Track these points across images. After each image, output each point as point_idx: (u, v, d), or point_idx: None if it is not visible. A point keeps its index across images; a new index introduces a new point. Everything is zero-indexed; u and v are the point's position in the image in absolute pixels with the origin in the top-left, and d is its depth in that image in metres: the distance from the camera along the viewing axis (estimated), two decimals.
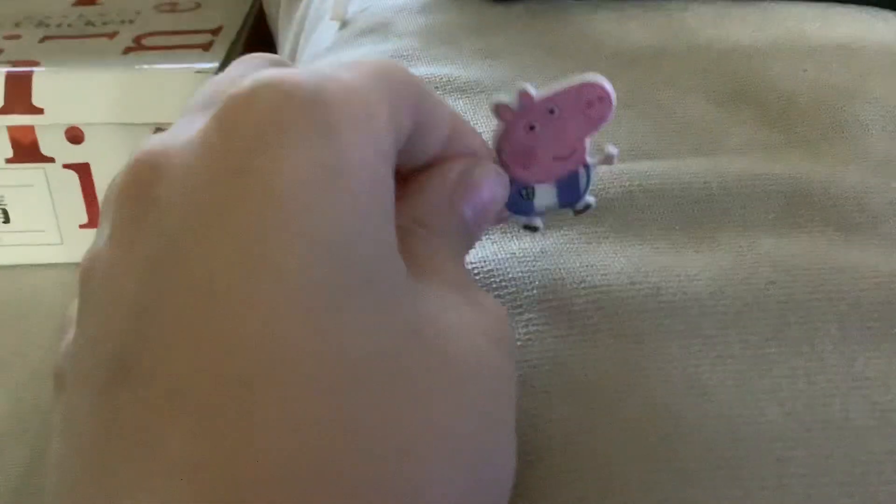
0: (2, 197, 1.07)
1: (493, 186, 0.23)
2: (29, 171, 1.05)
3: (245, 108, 0.17)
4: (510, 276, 0.27)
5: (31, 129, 1.02)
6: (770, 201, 0.29)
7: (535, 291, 0.26)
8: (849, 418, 0.21)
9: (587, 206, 0.26)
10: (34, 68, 1.00)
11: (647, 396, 0.22)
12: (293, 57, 0.62)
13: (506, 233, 0.29)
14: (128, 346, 0.16)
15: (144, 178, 0.17)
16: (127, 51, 1.05)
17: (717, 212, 0.29)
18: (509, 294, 0.26)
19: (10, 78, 0.99)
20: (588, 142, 0.24)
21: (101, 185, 1.07)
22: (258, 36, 1.10)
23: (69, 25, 1.14)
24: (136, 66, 1.01)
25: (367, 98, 0.18)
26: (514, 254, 0.28)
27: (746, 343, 0.24)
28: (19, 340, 1.00)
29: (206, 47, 1.05)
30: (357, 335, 0.16)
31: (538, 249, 0.28)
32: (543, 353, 0.24)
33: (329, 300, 0.16)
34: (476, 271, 0.27)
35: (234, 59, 0.93)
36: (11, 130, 1.02)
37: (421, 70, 0.41)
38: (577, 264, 0.27)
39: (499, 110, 0.24)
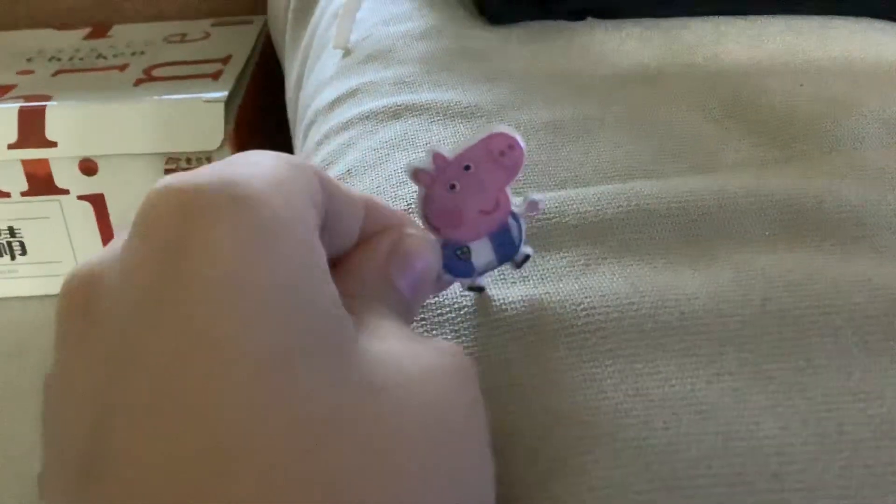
0: (18, 229, 1.09)
1: (424, 255, 0.23)
2: (44, 204, 1.07)
3: (157, 206, 0.17)
4: (510, 300, 0.27)
5: (45, 162, 1.03)
6: (766, 217, 0.29)
7: (534, 314, 0.26)
8: (845, 431, 0.22)
9: (526, 257, 0.26)
10: (47, 103, 1.02)
11: (645, 416, 0.22)
12: (299, 84, 0.63)
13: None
14: (90, 450, 0.16)
15: (80, 298, 0.18)
16: (138, 82, 1.07)
17: (715, 229, 0.29)
18: (510, 318, 0.27)
19: (23, 113, 1.01)
20: (510, 191, 0.24)
21: (116, 215, 1.08)
22: (266, 65, 1.12)
23: (81, 59, 1.16)
24: (147, 98, 1.02)
25: (280, 176, 0.19)
26: (514, 279, 0.28)
27: (744, 360, 0.24)
28: (39, 371, 1.01)
29: (216, 76, 1.06)
30: (311, 396, 0.16)
31: (538, 274, 0.28)
32: (544, 375, 0.24)
33: (277, 366, 0.16)
34: (476, 296, 0.28)
35: (242, 87, 0.94)
36: (26, 164, 1.03)
37: (423, 96, 0.41)
38: (577, 287, 0.27)
39: (416, 175, 0.24)
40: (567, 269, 0.28)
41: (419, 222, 0.24)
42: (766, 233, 0.29)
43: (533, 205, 0.25)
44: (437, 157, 0.23)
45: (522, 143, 0.24)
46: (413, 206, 0.33)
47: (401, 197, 0.34)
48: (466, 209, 0.24)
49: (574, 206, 0.31)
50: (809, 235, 0.29)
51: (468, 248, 0.25)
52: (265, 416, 0.16)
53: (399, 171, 0.36)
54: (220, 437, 0.15)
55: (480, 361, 0.25)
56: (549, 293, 0.27)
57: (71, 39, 1.23)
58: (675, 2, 0.46)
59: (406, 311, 0.23)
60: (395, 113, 0.41)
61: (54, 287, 1.11)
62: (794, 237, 0.29)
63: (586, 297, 0.27)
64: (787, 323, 0.25)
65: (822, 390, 0.23)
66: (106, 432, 0.16)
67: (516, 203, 0.25)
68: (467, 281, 0.26)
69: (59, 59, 1.16)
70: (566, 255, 0.29)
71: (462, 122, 0.38)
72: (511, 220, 0.25)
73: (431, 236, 0.24)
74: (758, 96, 0.37)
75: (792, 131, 0.34)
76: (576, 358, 0.25)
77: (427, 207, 0.24)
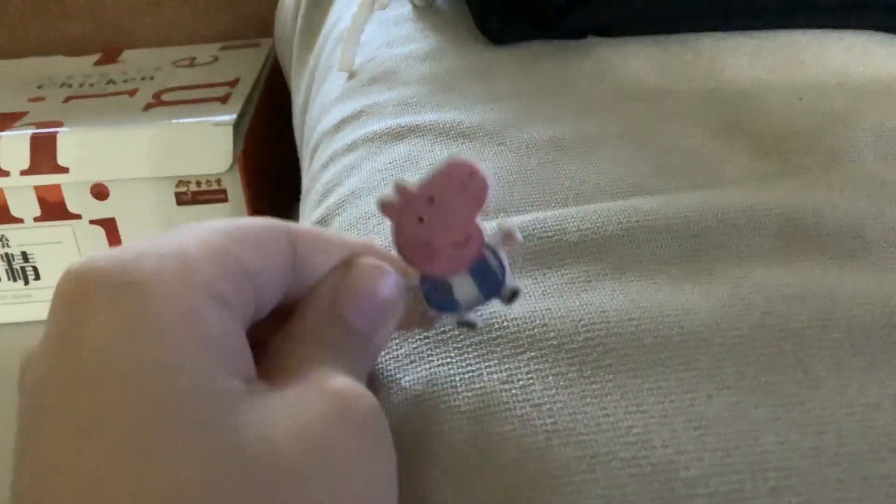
0: (32, 254, 1.10)
1: (374, 284, 0.23)
2: (57, 229, 1.08)
3: (61, 291, 0.19)
4: (511, 316, 0.27)
5: (57, 187, 1.04)
6: (765, 231, 0.30)
7: (535, 331, 0.27)
8: (843, 444, 0.22)
9: (514, 293, 0.24)
10: (58, 129, 1.03)
11: (645, 434, 0.23)
12: (306, 106, 0.63)
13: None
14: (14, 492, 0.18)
15: (20, 367, 0.20)
16: (147, 107, 1.08)
17: (714, 244, 0.29)
18: (511, 334, 0.27)
19: (35, 139, 1.02)
20: (480, 221, 0.23)
21: (128, 238, 1.09)
22: (274, 87, 1.13)
23: (91, 85, 1.17)
24: (157, 122, 1.04)
25: (181, 254, 0.20)
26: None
27: (743, 373, 0.24)
28: None
29: (224, 100, 1.07)
30: (173, 467, 0.17)
31: (540, 291, 0.29)
32: (544, 392, 0.24)
33: (139, 440, 0.17)
34: (479, 313, 0.28)
35: (251, 110, 0.95)
36: (38, 190, 1.04)
37: (426, 117, 0.42)
38: (577, 303, 0.28)
39: (383, 208, 0.23)
40: (568, 285, 0.29)
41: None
42: (766, 247, 0.29)
43: (508, 235, 0.24)
44: (400, 188, 0.23)
45: (483, 171, 0.23)
46: None
47: None
48: (437, 242, 0.23)
49: (575, 223, 0.31)
50: (808, 249, 0.29)
51: (449, 282, 0.24)
52: (120, 492, 0.17)
53: None
54: None
55: (481, 378, 0.25)
56: (549, 309, 0.27)
57: (81, 66, 1.24)
58: (675, 19, 0.46)
59: (363, 347, 0.23)
60: (399, 134, 0.41)
61: None
62: (793, 251, 0.29)
63: (587, 313, 0.27)
64: (786, 336, 0.25)
65: (820, 403, 0.23)
66: (18, 479, 0.18)
67: (489, 234, 0.24)
68: (455, 315, 0.25)
69: (69, 86, 1.18)
70: (567, 271, 0.29)
71: (465, 142, 0.39)
72: (488, 253, 0.24)
73: (385, 266, 0.24)
74: (757, 111, 0.37)
75: (790, 145, 0.35)
76: (576, 374, 0.25)
77: (398, 241, 0.24)
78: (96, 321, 0.18)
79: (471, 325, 0.25)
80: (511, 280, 0.24)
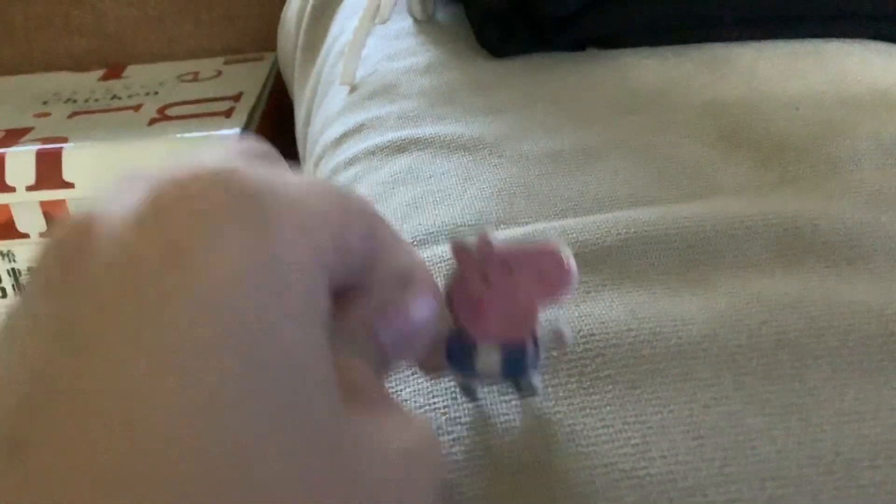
0: None
1: (414, 316, 0.22)
2: None
3: (179, 196, 0.16)
4: None
5: (63, 202, 1.05)
6: (762, 241, 0.30)
7: None
8: (839, 452, 0.22)
9: (532, 389, 0.24)
10: (63, 145, 1.03)
11: (643, 445, 0.23)
12: (308, 120, 0.64)
13: None
14: (19, 425, 0.15)
15: (74, 239, 0.16)
16: (152, 122, 1.09)
17: (712, 254, 0.30)
18: None
19: (40, 155, 1.03)
20: (540, 314, 0.22)
21: None
22: (277, 100, 1.13)
23: (96, 100, 1.18)
24: (162, 137, 1.04)
25: (313, 208, 0.18)
26: None
27: (741, 383, 0.24)
28: None
29: (228, 114, 1.08)
30: (277, 457, 0.15)
31: None
32: (543, 403, 0.25)
33: (250, 420, 0.15)
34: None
35: (254, 124, 0.96)
36: (44, 205, 1.05)
37: (426, 130, 0.42)
38: (577, 314, 0.28)
39: (457, 251, 0.22)
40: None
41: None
42: (763, 256, 0.29)
43: (559, 337, 0.23)
44: (482, 241, 0.22)
45: (572, 268, 0.22)
46: (416, 241, 0.34)
47: (406, 231, 0.35)
48: (490, 306, 0.22)
49: (574, 234, 0.31)
50: (805, 258, 0.29)
51: (475, 346, 0.23)
52: (210, 471, 0.14)
53: (404, 204, 0.37)
54: (143, 460, 0.14)
55: (481, 389, 0.26)
56: (548, 320, 0.28)
57: (86, 81, 1.25)
58: (673, 31, 0.46)
59: (381, 365, 0.22)
60: (400, 147, 0.42)
61: None
62: (791, 260, 0.29)
63: (585, 324, 0.27)
64: (783, 345, 0.25)
65: (817, 412, 0.23)
66: (37, 412, 0.15)
67: (545, 330, 0.23)
68: (461, 377, 0.24)
69: (74, 101, 1.18)
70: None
71: (465, 155, 0.39)
72: (530, 343, 0.23)
73: (432, 301, 0.22)
74: (754, 121, 0.38)
75: (788, 155, 0.35)
76: (575, 385, 0.25)
77: (454, 287, 0.23)
78: (230, 246, 0.16)
79: (471, 394, 0.25)
80: (535, 376, 0.23)
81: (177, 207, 0.16)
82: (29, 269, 0.17)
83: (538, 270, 0.22)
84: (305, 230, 0.17)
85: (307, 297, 0.17)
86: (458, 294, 0.22)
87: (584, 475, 0.22)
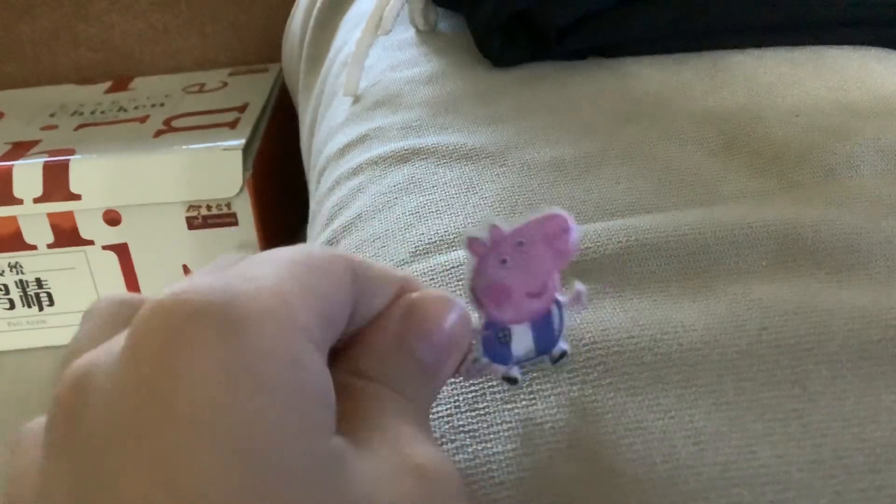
0: (46, 280, 1.11)
1: (444, 313, 0.22)
2: (70, 255, 1.09)
3: (148, 326, 0.17)
4: None
5: (70, 214, 1.06)
6: (762, 247, 0.30)
7: None
8: (840, 457, 0.22)
9: (563, 354, 0.25)
10: (70, 157, 1.04)
11: (645, 451, 0.23)
12: (312, 131, 0.64)
13: None
14: None
15: (71, 399, 0.18)
16: (157, 133, 1.09)
17: (712, 261, 0.30)
18: None
19: (48, 168, 1.03)
20: (557, 277, 0.24)
21: (140, 263, 1.10)
22: (282, 111, 1.14)
23: (102, 112, 1.19)
24: (167, 148, 1.05)
25: (281, 292, 0.18)
26: None
27: (741, 389, 0.24)
28: None
29: (233, 125, 1.08)
30: None
31: None
32: (546, 411, 0.25)
33: None
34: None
35: (259, 134, 0.96)
36: (52, 217, 1.06)
37: (429, 140, 0.42)
38: (578, 321, 0.28)
39: (471, 245, 0.23)
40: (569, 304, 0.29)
41: (464, 297, 0.24)
42: (764, 263, 0.29)
43: (578, 296, 0.24)
44: (493, 229, 0.23)
45: (575, 228, 0.23)
46: (418, 251, 0.34)
47: (409, 240, 0.35)
48: (514, 287, 0.23)
49: None
50: (806, 264, 0.29)
51: (510, 330, 0.24)
52: None
53: (407, 213, 0.37)
54: None
55: (484, 398, 0.26)
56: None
57: (92, 93, 1.26)
58: (673, 40, 0.47)
59: (429, 383, 0.21)
60: (403, 157, 0.42)
61: None
62: (791, 266, 0.29)
63: (587, 332, 0.27)
64: (784, 351, 0.25)
65: (817, 416, 0.23)
66: None
67: (562, 292, 0.24)
68: (503, 369, 0.24)
69: (81, 114, 1.19)
70: (567, 290, 0.30)
71: (467, 164, 0.39)
72: (555, 309, 0.24)
73: (452, 297, 0.23)
74: (754, 128, 0.38)
75: (788, 162, 0.35)
76: (578, 392, 0.25)
77: (477, 279, 0.23)
78: (196, 365, 0.16)
79: (513, 381, 0.25)
80: (563, 342, 0.25)
81: (149, 346, 0.17)
82: (45, 426, 0.19)
83: (546, 237, 0.23)
84: (278, 320, 0.17)
85: (288, 385, 0.17)
86: (481, 286, 0.23)
87: (588, 480, 0.23)
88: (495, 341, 0.24)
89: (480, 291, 0.23)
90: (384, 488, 0.18)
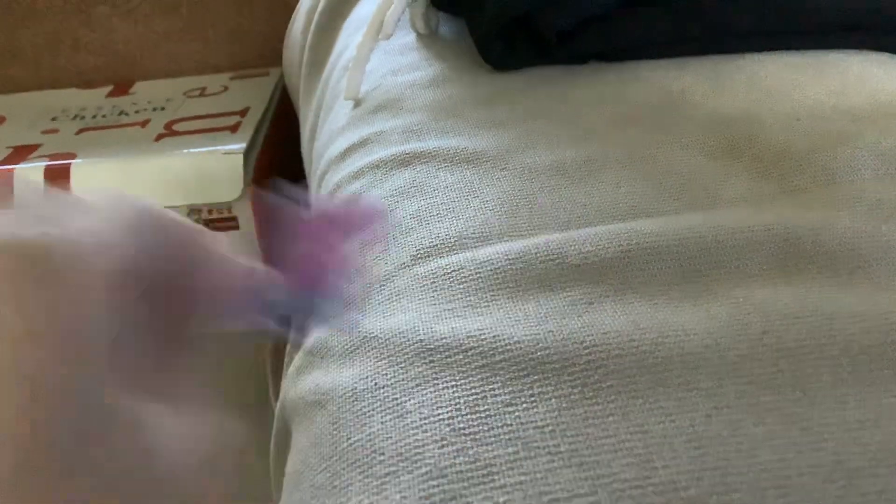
0: None
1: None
2: None
3: None
4: (515, 339, 0.28)
5: None
6: (763, 251, 0.30)
7: (538, 353, 0.27)
8: (840, 461, 0.22)
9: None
10: (72, 161, 1.04)
11: (646, 455, 0.23)
12: (314, 134, 0.64)
13: (512, 298, 0.30)
14: None
15: None
16: (159, 137, 1.09)
17: (713, 265, 0.30)
18: (514, 357, 0.27)
19: (49, 171, 1.03)
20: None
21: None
22: (283, 115, 1.14)
23: (104, 116, 1.19)
24: (168, 152, 1.05)
25: (101, 245, 0.20)
26: (519, 319, 0.29)
27: (742, 392, 0.24)
28: None
29: (234, 129, 1.08)
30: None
31: (542, 313, 0.29)
32: (547, 414, 0.25)
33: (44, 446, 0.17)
34: (482, 337, 0.28)
35: (260, 138, 0.96)
36: None
37: (430, 143, 0.42)
38: (579, 324, 0.28)
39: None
40: (570, 307, 0.29)
41: None
42: (764, 267, 0.29)
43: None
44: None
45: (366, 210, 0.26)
46: (420, 253, 0.34)
47: (410, 244, 0.35)
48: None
49: (576, 246, 0.32)
50: (806, 268, 0.29)
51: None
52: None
53: (408, 217, 0.37)
54: None
55: (485, 401, 0.26)
56: (552, 331, 0.28)
57: (94, 98, 1.26)
58: (673, 45, 0.47)
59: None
60: (404, 161, 0.42)
61: None
62: (792, 270, 0.29)
63: (589, 335, 0.27)
64: (784, 355, 0.25)
65: (818, 420, 0.23)
66: None
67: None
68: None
69: (82, 118, 1.19)
70: (569, 293, 0.30)
71: (468, 168, 0.40)
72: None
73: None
74: (755, 132, 0.38)
75: (788, 166, 0.35)
76: (579, 395, 0.25)
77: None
78: (18, 303, 0.18)
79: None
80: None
81: None
82: None
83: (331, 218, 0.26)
84: (90, 264, 0.20)
85: (88, 332, 0.19)
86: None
87: (588, 484, 0.23)
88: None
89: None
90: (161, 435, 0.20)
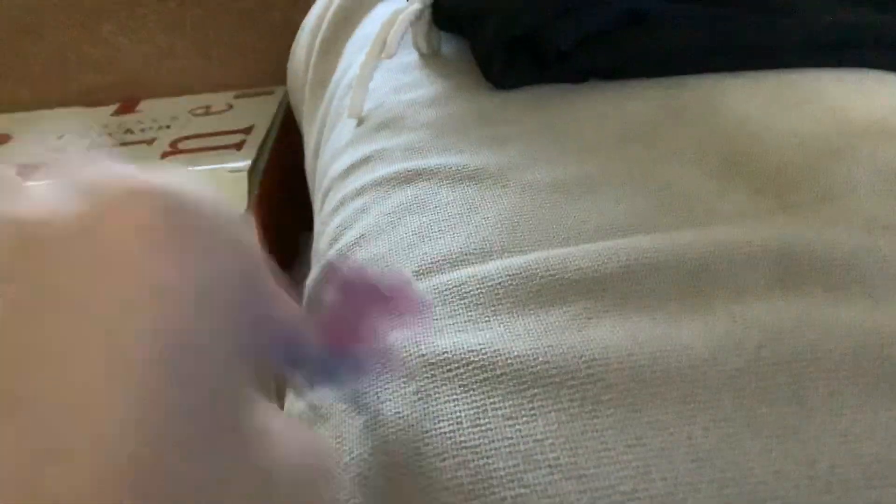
0: None
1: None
2: None
3: (116, 210, 0.18)
4: (515, 353, 0.28)
5: None
6: (761, 267, 0.30)
7: (538, 367, 0.27)
8: (836, 472, 0.22)
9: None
10: None
11: (644, 467, 0.23)
12: (317, 152, 0.65)
13: (512, 313, 0.31)
14: None
15: (22, 238, 0.17)
16: (164, 155, 1.10)
17: (711, 280, 0.30)
18: (515, 371, 0.28)
19: None
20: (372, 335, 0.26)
21: None
22: (287, 133, 1.15)
23: (110, 135, 1.20)
24: (173, 170, 1.06)
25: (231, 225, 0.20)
26: (520, 333, 0.29)
27: (739, 406, 0.25)
28: None
29: (239, 147, 1.09)
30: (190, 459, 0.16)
31: (542, 328, 0.29)
32: (547, 427, 0.25)
33: (170, 416, 0.16)
34: (483, 351, 0.29)
35: (265, 156, 0.96)
36: None
37: (432, 161, 0.43)
38: (579, 339, 0.28)
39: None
40: (570, 321, 0.29)
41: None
42: (762, 282, 0.30)
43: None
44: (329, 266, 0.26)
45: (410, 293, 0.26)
46: (421, 270, 0.34)
47: (412, 260, 0.35)
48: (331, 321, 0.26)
49: (576, 262, 0.32)
50: (803, 283, 0.29)
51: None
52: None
53: (410, 233, 0.37)
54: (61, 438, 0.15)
55: (486, 414, 0.26)
56: (552, 346, 0.28)
57: (100, 116, 1.27)
58: (673, 62, 0.47)
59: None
60: (407, 178, 0.42)
61: None
62: (789, 285, 0.29)
63: (588, 349, 0.28)
64: (781, 368, 0.26)
65: (814, 433, 0.24)
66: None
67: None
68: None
69: (88, 136, 1.20)
70: (569, 308, 0.30)
71: (470, 185, 0.40)
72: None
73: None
74: (752, 149, 0.38)
75: (785, 182, 0.36)
76: (578, 409, 0.26)
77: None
78: (160, 260, 0.17)
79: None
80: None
81: (113, 224, 0.18)
82: None
83: (370, 291, 0.26)
84: (228, 246, 0.19)
85: (228, 309, 0.18)
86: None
87: (587, 497, 0.23)
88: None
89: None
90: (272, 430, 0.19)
